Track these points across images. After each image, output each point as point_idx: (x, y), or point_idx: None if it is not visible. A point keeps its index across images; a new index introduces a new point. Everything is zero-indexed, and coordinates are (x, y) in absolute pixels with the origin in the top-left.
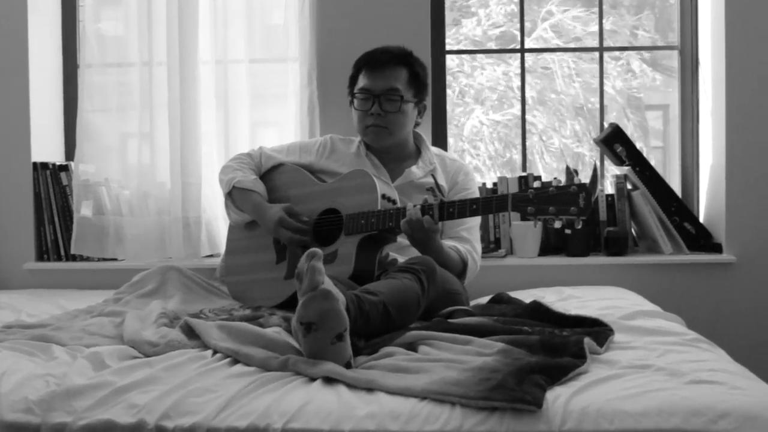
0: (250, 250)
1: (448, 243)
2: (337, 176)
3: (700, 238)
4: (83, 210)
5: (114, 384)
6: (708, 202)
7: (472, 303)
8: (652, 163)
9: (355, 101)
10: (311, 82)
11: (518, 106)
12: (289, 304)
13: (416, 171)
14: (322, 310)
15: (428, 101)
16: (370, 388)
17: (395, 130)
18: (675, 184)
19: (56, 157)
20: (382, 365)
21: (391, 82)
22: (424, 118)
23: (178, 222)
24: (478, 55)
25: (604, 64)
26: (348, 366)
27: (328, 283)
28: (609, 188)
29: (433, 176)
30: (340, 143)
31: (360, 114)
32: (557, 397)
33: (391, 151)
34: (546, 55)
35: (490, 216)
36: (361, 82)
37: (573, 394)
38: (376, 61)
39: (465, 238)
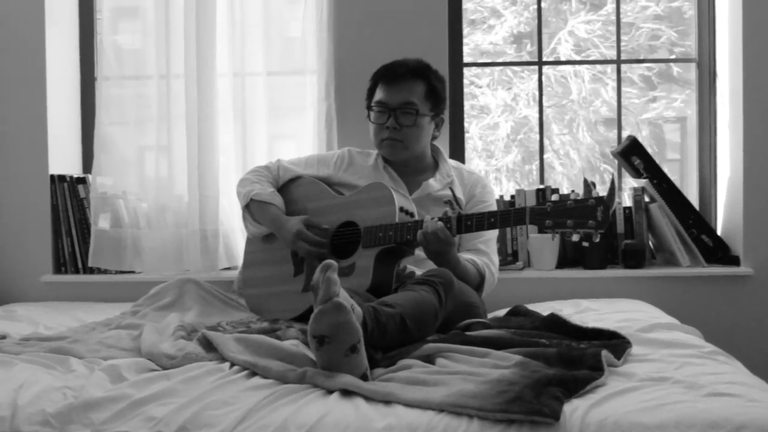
0: (267, 263)
1: (465, 256)
2: (354, 189)
3: (717, 251)
4: (101, 222)
5: (131, 397)
6: (725, 215)
7: (490, 315)
8: (670, 175)
9: (372, 114)
10: (329, 95)
11: (536, 120)
12: (307, 316)
13: (434, 184)
14: (334, 322)
15: (446, 114)
16: (387, 401)
17: (410, 144)
18: (692, 197)
19: (74, 169)
20: (399, 377)
21: (406, 96)
22: (441, 131)
23: (196, 235)
24: (497, 72)
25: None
26: (364, 378)
27: (343, 295)
28: (626, 201)
29: (451, 189)
30: (358, 156)
31: (376, 127)
32: (575, 409)
33: (408, 164)
34: (564, 69)
35: (508, 229)
36: (378, 95)
37: (590, 407)
38: (393, 73)
39: (482, 250)
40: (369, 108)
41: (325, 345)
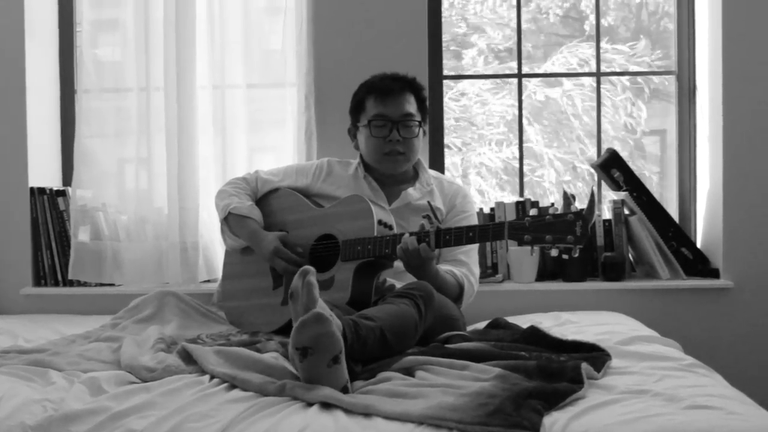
0: (246, 276)
1: (444, 267)
2: (333, 200)
3: (697, 264)
4: (80, 235)
5: (111, 409)
6: (705, 228)
7: (470, 328)
8: (650, 188)
9: (372, 129)
10: (309, 107)
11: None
12: (287, 329)
13: (413, 193)
14: (316, 333)
15: (425, 130)
16: (367, 413)
17: (411, 157)
18: (672, 210)
19: (53, 182)
20: (379, 390)
21: (406, 108)
22: (423, 142)
23: (176, 247)
24: (481, 88)
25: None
26: (345, 390)
27: (320, 304)
28: (606, 213)
29: (429, 201)
30: (338, 166)
31: (377, 141)
32: (554, 422)
33: (394, 176)
34: (549, 89)
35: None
36: (375, 108)
37: (570, 420)
38: (387, 87)
39: (462, 261)
40: (358, 119)
41: (308, 356)
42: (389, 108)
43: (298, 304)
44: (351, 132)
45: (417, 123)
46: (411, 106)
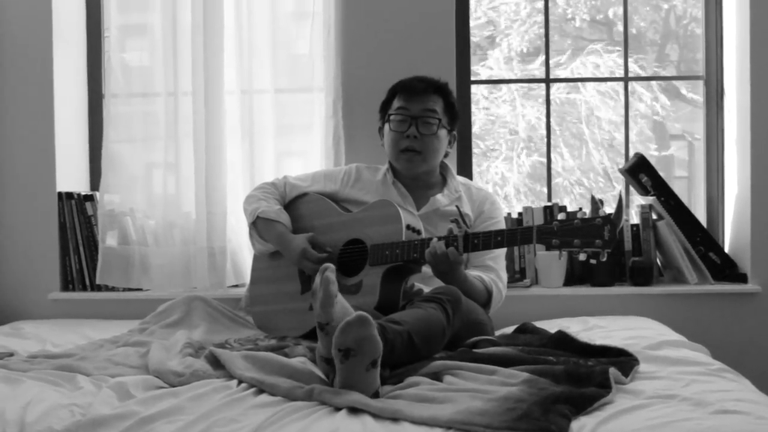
0: (275, 280)
1: (473, 273)
2: (361, 205)
3: (725, 268)
4: (108, 240)
5: (139, 414)
6: (733, 232)
7: (497, 333)
8: (677, 193)
9: (391, 123)
10: (336, 112)
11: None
12: (315, 334)
13: (441, 199)
14: (360, 336)
15: (456, 135)
16: (395, 418)
17: (428, 156)
18: (700, 214)
19: (81, 187)
20: (407, 395)
21: (429, 104)
22: (452, 149)
23: (203, 252)
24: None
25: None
26: (377, 395)
27: (339, 299)
28: (634, 218)
29: (457, 206)
30: (366, 171)
31: (395, 135)
32: (582, 426)
33: (418, 179)
34: (573, 95)
35: (515, 246)
36: (398, 103)
37: (598, 424)
38: (413, 86)
39: (491, 267)
40: (384, 119)
41: (350, 358)
42: (411, 103)
43: (316, 300)
44: (380, 131)
45: (437, 120)
46: (435, 104)
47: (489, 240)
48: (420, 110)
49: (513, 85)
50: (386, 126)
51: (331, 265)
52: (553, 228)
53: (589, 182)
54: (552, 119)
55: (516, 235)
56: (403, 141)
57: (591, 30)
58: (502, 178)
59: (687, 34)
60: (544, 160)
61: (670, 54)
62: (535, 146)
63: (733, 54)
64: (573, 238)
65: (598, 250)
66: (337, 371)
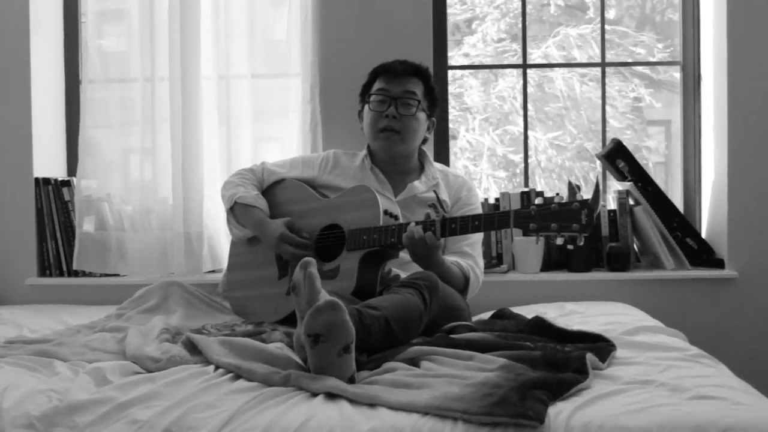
0: (252, 266)
1: (450, 258)
2: (339, 191)
3: (702, 254)
4: (85, 225)
5: (116, 399)
6: (710, 218)
7: (474, 319)
8: (654, 178)
9: (371, 103)
10: (313, 98)
11: (519, 124)
12: (292, 319)
13: (419, 185)
14: (329, 321)
15: (435, 120)
16: (372, 404)
17: (407, 137)
18: (677, 200)
19: (58, 172)
20: (384, 380)
21: (409, 87)
22: (431, 136)
23: (180, 237)
24: (478, 73)
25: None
26: (352, 380)
27: (323, 295)
28: (611, 203)
29: (435, 191)
30: (344, 157)
31: (374, 115)
32: (559, 412)
33: (396, 163)
34: (550, 73)
35: (492, 231)
36: (378, 85)
37: (575, 410)
38: (394, 68)
39: (467, 253)
40: (365, 101)
41: (320, 344)
42: (391, 85)
43: (301, 297)
44: (360, 115)
45: (416, 102)
46: (415, 87)
47: (466, 224)
48: (400, 92)
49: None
50: (366, 107)
51: (312, 260)
52: (531, 212)
53: (566, 164)
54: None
55: (493, 219)
56: (381, 121)
57: (566, 16)
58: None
59: (664, 20)
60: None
61: (646, 40)
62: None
63: (710, 39)
64: (550, 222)
65: (575, 235)
66: (308, 357)
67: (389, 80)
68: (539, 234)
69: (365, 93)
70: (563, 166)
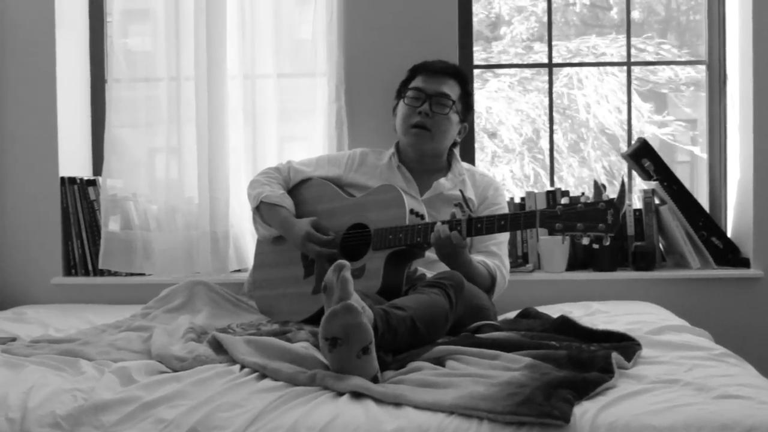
0: (277, 265)
1: (477, 258)
2: (365, 190)
3: (727, 253)
4: (111, 225)
5: (142, 399)
6: (736, 217)
7: (500, 318)
8: (680, 177)
9: (406, 98)
10: (339, 97)
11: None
12: (317, 318)
13: (445, 183)
14: (345, 324)
15: (467, 126)
16: (397, 403)
17: (437, 136)
18: (703, 199)
19: (84, 171)
20: (409, 380)
21: (445, 88)
22: (461, 139)
23: (206, 237)
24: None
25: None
26: (375, 380)
27: (355, 297)
28: (637, 203)
29: (461, 191)
30: (371, 155)
31: (408, 110)
32: (585, 411)
33: (424, 162)
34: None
35: (518, 231)
36: (415, 83)
37: (601, 409)
38: (434, 67)
39: (494, 252)
40: (400, 96)
41: (337, 347)
42: (428, 83)
43: (333, 299)
44: (394, 111)
45: (451, 102)
46: (450, 89)
47: (492, 224)
48: (435, 90)
49: (513, 78)
50: (400, 102)
51: (347, 263)
52: (557, 212)
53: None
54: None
55: (519, 219)
56: (414, 116)
57: (591, 16)
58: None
59: (689, 19)
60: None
61: (671, 39)
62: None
63: (736, 38)
64: (576, 222)
65: (601, 234)
66: (327, 360)
67: (427, 78)
68: (565, 234)
69: (402, 89)
70: (589, 165)
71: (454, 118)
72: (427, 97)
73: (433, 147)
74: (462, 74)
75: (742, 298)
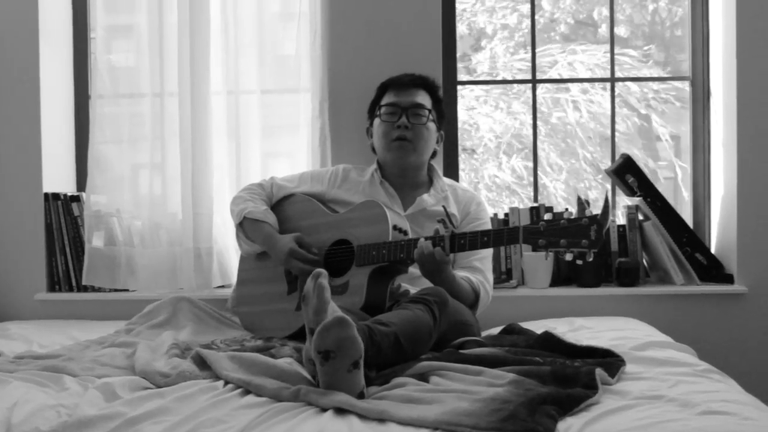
0: (261, 281)
1: (460, 273)
2: (348, 206)
3: (711, 269)
4: (95, 241)
5: (125, 415)
6: (719, 233)
7: (484, 334)
8: (664, 193)
9: (382, 115)
10: (323, 113)
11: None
12: (301, 334)
13: (428, 199)
14: (339, 337)
15: (443, 134)
16: (381, 419)
17: (419, 146)
18: (686, 215)
19: (68, 187)
20: (393, 395)
21: (418, 99)
22: (439, 148)
23: (190, 253)
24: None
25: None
26: (361, 395)
27: (332, 306)
28: (620, 219)
29: (444, 206)
30: (353, 172)
31: (386, 127)
32: (569, 427)
33: (406, 176)
34: (559, 94)
35: (501, 247)
36: (387, 99)
37: (585, 425)
38: (402, 81)
39: (477, 268)
40: (373, 115)
41: (329, 360)
42: (401, 97)
43: (309, 307)
44: (368, 131)
45: (427, 112)
46: (423, 99)
47: (476, 240)
48: (410, 103)
49: (498, 90)
50: (375, 121)
51: (324, 271)
52: (540, 228)
53: (576, 182)
54: (539, 120)
55: (502, 235)
56: (393, 131)
57: (575, 32)
58: (492, 180)
59: (673, 35)
60: (530, 163)
61: (654, 55)
62: (520, 148)
63: (720, 55)
64: (559, 238)
65: (585, 251)
66: (318, 374)
67: (398, 93)
68: (548, 250)
69: (374, 108)
70: (573, 184)
71: (432, 126)
72: (403, 110)
73: (416, 158)
74: (431, 84)
75: (725, 314)
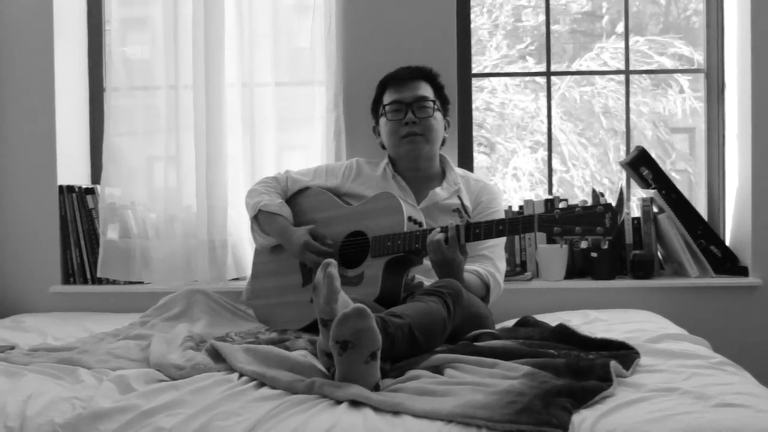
0: (276, 274)
1: (469, 267)
2: (362, 199)
3: (726, 262)
4: (109, 233)
5: (140, 407)
6: (734, 225)
7: (498, 326)
8: (678, 186)
9: (388, 114)
10: (337, 106)
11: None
12: (315, 327)
13: (441, 192)
14: (357, 328)
15: (450, 120)
16: (396, 411)
17: (430, 137)
18: (701, 207)
19: (82, 180)
20: (408, 388)
21: (420, 92)
22: (449, 137)
23: (204, 245)
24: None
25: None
26: (377, 387)
27: (342, 296)
28: (635, 211)
29: (459, 197)
30: (367, 166)
31: (393, 125)
32: (583, 420)
33: (420, 169)
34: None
35: (516, 239)
36: (389, 97)
37: (599, 417)
38: (401, 76)
39: (486, 256)
40: (377, 114)
41: (348, 350)
42: (403, 93)
43: (320, 296)
44: (375, 130)
45: (431, 103)
46: (425, 90)
47: (491, 229)
48: (413, 97)
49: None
50: (382, 120)
51: (333, 261)
52: (555, 216)
53: (598, 175)
54: (559, 113)
55: (518, 223)
56: (402, 128)
57: (590, 24)
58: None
59: (688, 27)
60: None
61: (670, 47)
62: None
63: (734, 47)
64: (574, 225)
65: (600, 238)
66: (335, 364)
67: (400, 88)
68: (563, 238)
69: (377, 108)
70: (594, 178)
71: (439, 116)
72: (407, 106)
73: (429, 149)
74: (430, 73)
75: (740, 307)
